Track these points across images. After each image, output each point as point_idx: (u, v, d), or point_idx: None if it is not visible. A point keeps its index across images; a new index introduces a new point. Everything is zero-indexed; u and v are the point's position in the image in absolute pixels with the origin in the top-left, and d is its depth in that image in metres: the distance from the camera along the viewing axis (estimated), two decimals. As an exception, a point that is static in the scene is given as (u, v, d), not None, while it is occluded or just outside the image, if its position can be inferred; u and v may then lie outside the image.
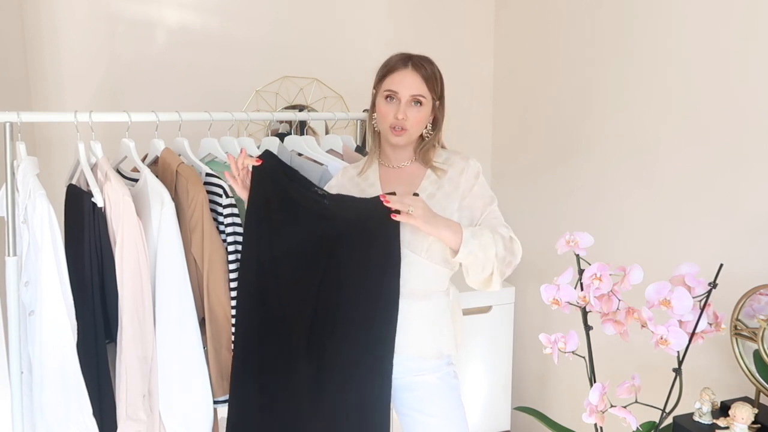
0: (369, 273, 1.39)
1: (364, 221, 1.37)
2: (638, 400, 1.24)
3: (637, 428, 1.21)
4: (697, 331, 1.17)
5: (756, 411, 1.25)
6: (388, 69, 1.48)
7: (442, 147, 1.57)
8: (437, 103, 1.50)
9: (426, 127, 1.51)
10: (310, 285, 1.41)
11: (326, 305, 1.41)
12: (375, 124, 1.53)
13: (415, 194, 1.43)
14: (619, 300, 1.24)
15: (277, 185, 1.44)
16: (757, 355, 1.36)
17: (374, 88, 1.53)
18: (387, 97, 1.47)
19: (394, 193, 1.35)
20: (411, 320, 1.45)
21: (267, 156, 1.46)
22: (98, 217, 1.43)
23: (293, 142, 1.83)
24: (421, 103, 1.45)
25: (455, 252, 1.36)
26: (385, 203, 1.32)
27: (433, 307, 1.48)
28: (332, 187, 1.59)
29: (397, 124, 1.45)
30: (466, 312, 2.34)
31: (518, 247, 1.45)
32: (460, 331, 1.58)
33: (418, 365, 1.48)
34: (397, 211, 1.32)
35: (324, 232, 1.41)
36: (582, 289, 1.25)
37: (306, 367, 1.43)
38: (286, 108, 2.33)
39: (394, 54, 1.49)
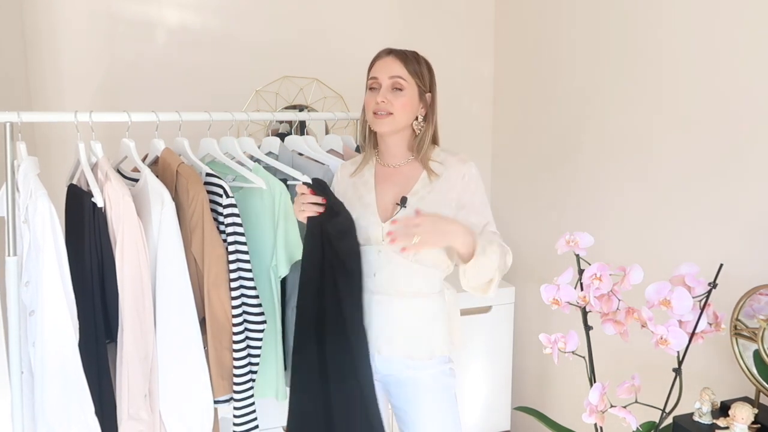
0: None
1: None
2: (638, 400, 1.24)
3: (637, 428, 1.21)
4: (697, 331, 1.17)
5: (756, 411, 1.25)
6: (372, 61, 1.50)
7: (437, 144, 1.55)
8: (427, 95, 1.49)
9: (417, 119, 1.49)
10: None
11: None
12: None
13: (404, 197, 1.45)
14: (619, 300, 1.24)
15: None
16: (757, 355, 1.36)
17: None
18: (370, 87, 1.47)
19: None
20: (402, 319, 1.46)
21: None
22: (98, 217, 1.43)
23: (293, 142, 1.83)
24: (402, 88, 1.44)
25: (465, 260, 1.35)
26: (390, 243, 1.31)
27: (425, 307, 1.47)
28: (335, 185, 1.60)
29: (378, 109, 1.44)
30: (466, 312, 2.34)
31: (510, 256, 1.45)
32: (458, 330, 1.57)
33: (409, 363, 1.48)
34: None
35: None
36: (582, 289, 1.25)
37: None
38: (286, 108, 2.33)
39: None
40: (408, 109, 1.46)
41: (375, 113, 1.45)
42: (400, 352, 1.47)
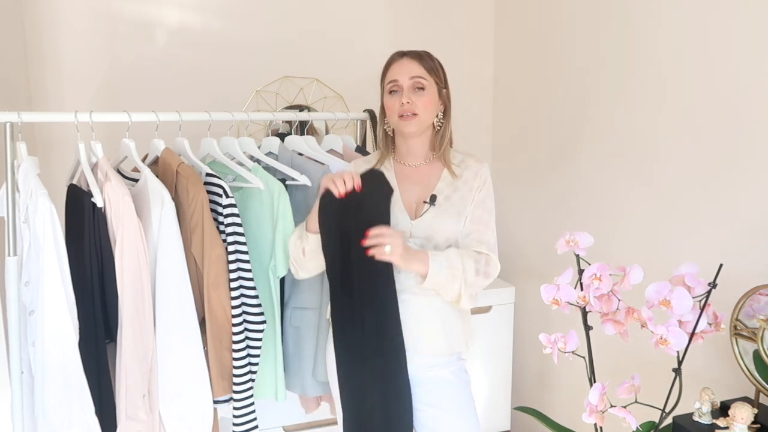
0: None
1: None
2: (638, 400, 1.24)
3: (637, 428, 1.21)
4: (696, 331, 1.17)
5: (756, 411, 1.25)
6: (386, 65, 1.52)
7: (451, 146, 1.58)
8: (444, 91, 1.52)
9: (437, 116, 1.52)
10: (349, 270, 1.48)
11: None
12: (387, 127, 1.56)
13: (433, 195, 1.48)
14: (619, 300, 1.24)
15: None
16: (756, 355, 1.36)
17: (381, 90, 1.55)
18: (390, 91, 1.49)
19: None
20: (423, 317, 1.49)
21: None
22: (98, 217, 1.43)
23: (293, 142, 1.83)
24: (423, 88, 1.47)
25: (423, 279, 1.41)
26: (366, 239, 1.35)
27: (444, 305, 1.50)
28: None
29: (404, 111, 1.46)
30: (466, 312, 2.34)
31: (494, 267, 1.48)
32: (470, 328, 1.60)
33: (430, 361, 1.50)
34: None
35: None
36: (582, 289, 1.25)
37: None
38: (286, 108, 2.33)
39: None
40: (431, 108, 1.49)
41: (400, 116, 1.47)
42: (423, 349, 1.49)
